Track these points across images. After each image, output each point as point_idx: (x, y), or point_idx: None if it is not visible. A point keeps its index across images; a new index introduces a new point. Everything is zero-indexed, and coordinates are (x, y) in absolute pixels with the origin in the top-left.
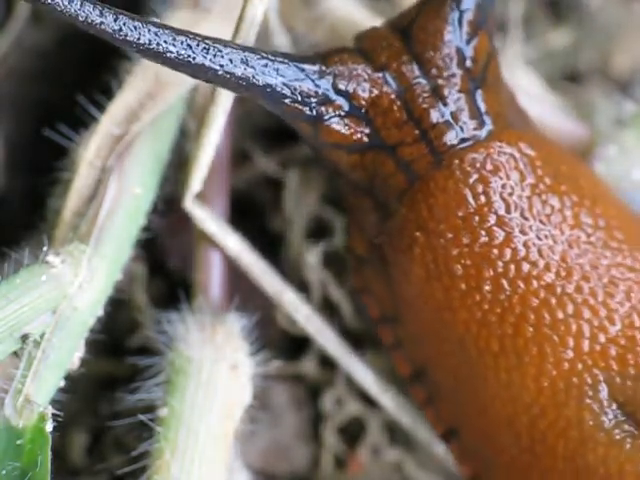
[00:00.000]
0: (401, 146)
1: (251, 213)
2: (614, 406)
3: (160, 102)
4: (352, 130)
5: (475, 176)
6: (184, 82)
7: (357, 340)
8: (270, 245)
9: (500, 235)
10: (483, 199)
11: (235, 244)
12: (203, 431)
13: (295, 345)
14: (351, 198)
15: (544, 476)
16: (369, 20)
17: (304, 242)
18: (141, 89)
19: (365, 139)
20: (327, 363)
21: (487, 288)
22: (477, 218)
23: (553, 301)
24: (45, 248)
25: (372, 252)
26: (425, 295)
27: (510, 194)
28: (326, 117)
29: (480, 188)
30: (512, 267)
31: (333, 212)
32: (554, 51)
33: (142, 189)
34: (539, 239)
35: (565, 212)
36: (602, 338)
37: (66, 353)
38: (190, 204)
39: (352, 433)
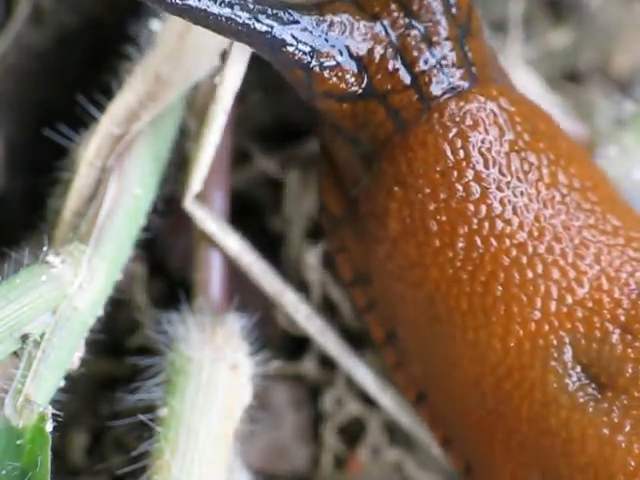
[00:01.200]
0: (392, 94)
1: (251, 213)
2: (578, 368)
3: (160, 102)
4: (345, 78)
5: (454, 130)
6: (184, 82)
7: (357, 340)
8: (270, 245)
9: (477, 191)
10: (462, 154)
11: (235, 244)
12: (203, 431)
13: (295, 345)
14: (334, 149)
15: (508, 438)
16: None
17: (304, 242)
18: (141, 89)
19: (358, 88)
20: (327, 363)
21: (460, 245)
22: (455, 173)
23: (524, 260)
24: (45, 248)
25: (347, 209)
26: (398, 251)
27: (488, 149)
28: (321, 65)
29: (459, 143)
30: (486, 224)
31: None
32: (554, 51)
33: (142, 189)
34: (515, 196)
35: (542, 170)
36: (569, 300)
37: (66, 353)
38: (190, 204)
39: (352, 433)
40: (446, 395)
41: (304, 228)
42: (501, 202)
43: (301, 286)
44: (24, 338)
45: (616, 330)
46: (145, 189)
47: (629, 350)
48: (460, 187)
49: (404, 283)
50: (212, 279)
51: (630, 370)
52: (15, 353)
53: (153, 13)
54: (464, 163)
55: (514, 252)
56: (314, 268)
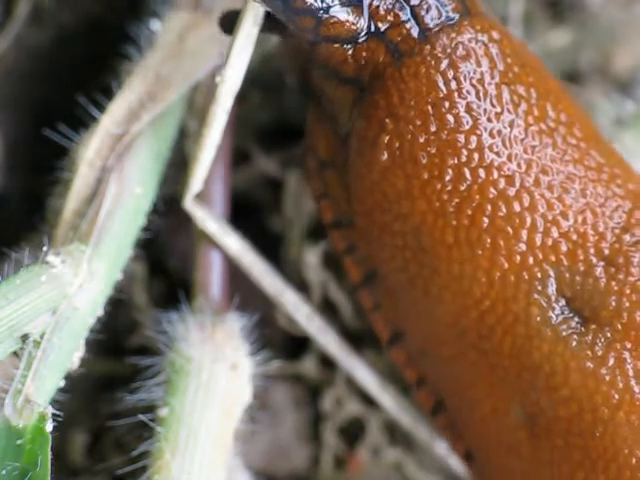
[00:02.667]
0: (391, 29)
1: (251, 213)
2: (562, 302)
3: (160, 102)
4: (350, 21)
5: (446, 62)
6: (184, 82)
7: (357, 340)
8: (270, 245)
9: (467, 122)
10: (453, 85)
11: (235, 244)
12: (203, 431)
13: (295, 345)
14: (328, 93)
15: (490, 373)
16: None
17: (304, 242)
18: (141, 89)
19: (361, 29)
20: (327, 363)
21: (448, 177)
22: (447, 104)
23: (511, 193)
24: (45, 248)
25: (335, 151)
26: (386, 184)
27: (480, 80)
28: (328, 10)
29: (451, 74)
30: (476, 155)
31: None
32: (554, 51)
33: (142, 189)
34: (504, 128)
35: (531, 102)
36: (555, 233)
37: (66, 353)
38: (190, 204)
39: (352, 433)
40: (424, 333)
41: (304, 228)
42: (491, 133)
43: (301, 286)
44: (24, 338)
45: (600, 263)
46: (145, 189)
47: (613, 283)
48: (451, 118)
49: (389, 217)
50: (212, 279)
51: (613, 303)
52: (15, 353)
53: (153, 13)
54: (455, 94)
55: (502, 184)
56: (314, 268)
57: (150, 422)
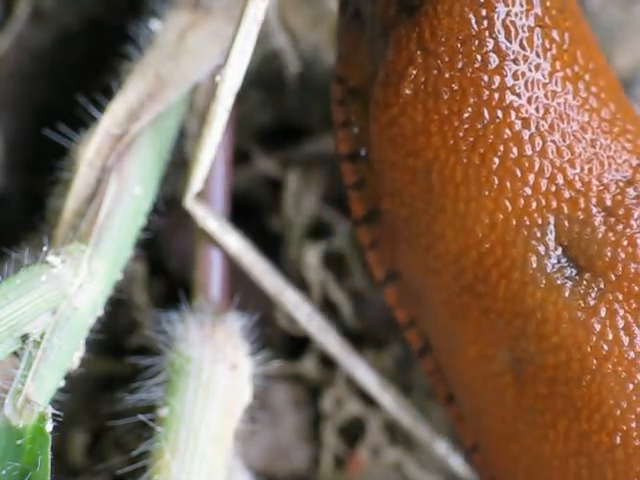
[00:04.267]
0: None
1: (251, 213)
2: (559, 250)
3: (160, 102)
4: None
5: (482, 0)
6: (184, 82)
7: (357, 340)
8: (270, 245)
9: (494, 61)
10: (485, 23)
11: (236, 243)
12: (203, 431)
13: (295, 345)
14: (364, 20)
15: (481, 317)
16: None
17: (304, 242)
18: (141, 89)
19: None
20: (327, 363)
21: (467, 115)
22: (476, 42)
23: (525, 136)
24: (45, 248)
25: (366, 82)
26: (405, 120)
27: (513, 22)
28: None
29: (484, 12)
30: (496, 95)
31: (333, 212)
32: None
33: (142, 189)
34: (530, 71)
35: (563, 47)
36: (560, 179)
37: (66, 353)
38: (191, 203)
39: (352, 433)
40: (422, 271)
41: (304, 228)
42: (514, 75)
43: (301, 286)
44: (24, 338)
45: (600, 213)
46: (145, 189)
47: (610, 234)
48: (478, 56)
49: (403, 152)
50: (212, 279)
51: (609, 254)
52: (15, 353)
53: (153, 13)
54: (486, 33)
55: (517, 126)
56: (314, 268)
57: (150, 422)
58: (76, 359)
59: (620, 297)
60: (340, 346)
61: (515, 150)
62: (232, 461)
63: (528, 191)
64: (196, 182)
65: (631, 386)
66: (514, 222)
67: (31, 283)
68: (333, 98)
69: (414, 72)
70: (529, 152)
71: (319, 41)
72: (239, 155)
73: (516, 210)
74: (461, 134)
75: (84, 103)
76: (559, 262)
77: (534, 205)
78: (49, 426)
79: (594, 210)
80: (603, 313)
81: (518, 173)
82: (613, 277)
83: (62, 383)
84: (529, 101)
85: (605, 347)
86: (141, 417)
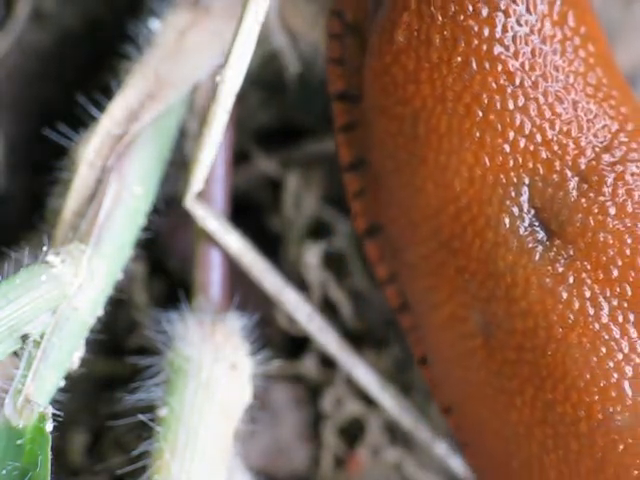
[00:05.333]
0: None
1: (251, 213)
2: (532, 213)
3: (160, 102)
4: None
5: None
6: (184, 82)
7: (357, 340)
8: (270, 245)
9: (485, 12)
10: None
11: (236, 243)
12: (203, 431)
13: (295, 345)
14: None
15: (456, 276)
16: None
17: (304, 242)
18: (141, 89)
19: None
20: (327, 363)
21: (456, 63)
22: None
23: (509, 89)
24: (45, 248)
25: (363, 18)
26: (396, 68)
27: None
28: None
29: None
30: (485, 46)
31: (333, 212)
32: None
33: (142, 189)
34: (519, 25)
35: (554, 7)
36: (538, 139)
37: (66, 353)
38: (191, 203)
39: (352, 433)
40: (402, 225)
41: (304, 228)
42: (504, 27)
43: (301, 286)
44: (24, 338)
45: (574, 177)
46: (145, 189)
47: (582, 200)
48: (470, 5)
49: (392, 100)
50: (212, 279)
51: (580, 221)
52: (15, 353)
53: (152, 12)
54: None
55: (502, 79)
56: (314, 268)
57: (150, 422)
58: (76, 359)
59: (588, 266)
60: (340, 346)
61: (498, 103)
62: (232, 461)
63: (507, 148)
64: (196, 182)
65: (595, 359)
66: (491, 179)
67: (31, 283)
68: (328, 31)
69: (408, 19)
70: (511, 107)
71: (319, 41)
72: (239, 155)
73: (494, 167)
74: (449, 82)
75: (84, 103)
76: (532, 225)
77: (511, 163)
78: (49, 426)
79: (568, 174)
80: (570, 281)
81: (499, 128)
82: (582, 245)
83: (62, 383)
84: (515, 55)
85: (571, 316)
86: (141, 417)
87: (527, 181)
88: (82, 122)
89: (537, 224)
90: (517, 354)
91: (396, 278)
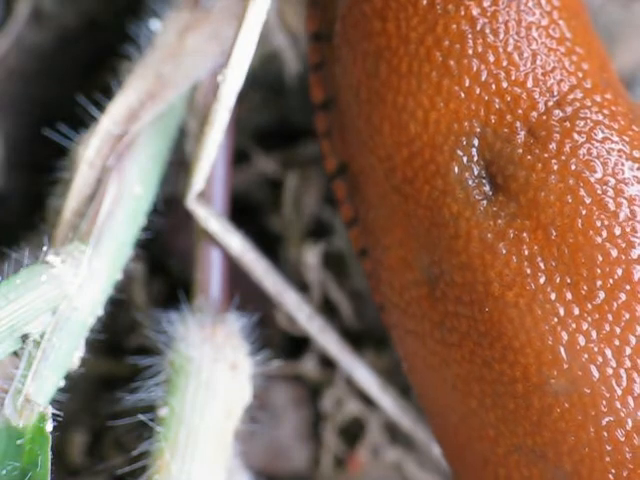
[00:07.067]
0: None
1: (251, 213)
2: (481, 165)
3: (160, 101)
4: None
5: None
6: (184, 81)
7: (357, 340)
8: (270, 245)
9: None
10: None
11: (237, 243)
12: (203, 431)
13: (295, 345)
14: None
15: (406, 221)
16: None
17: (304, 242)
18: (141, 89)
19: None
20: (327, 363)
21: (421, 5)
22: None
23: (469, 35)
24: (45, 248)
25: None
26: (365, 4)
27: None
28: None
29: None
30: None
31: (333, 212)
32: None
33: (142, 189)
34: None
35: None
36: (492, 88)
37: (66, 353)
38: (193, 203)
39: (352, 433)
40: (362, 165)
41: (304, 228)
42: None
43: (301, 286)
44: (24, 338)
45: (522, 131)
46: (145, 189)
47: (528, 156)
48: None
49: (360, 34)
50: (212, 279)
51: (523, 177)
52: (15, 353)
53: (153, 13)
54: None
55: (463, 24)
56: (314, 268)
57: (150, 422)
58: (76, 359)
59: (527, 224)
60: (340, 346)
61: (458, 47)
62: (232, 461)
63: (462, 94)
64: (197, 182)
65: (529, 319)
66: (444, 125)
67: (31, 283)
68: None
69: None
70: (470, 52)
71: None
72: (239, 155)
73: (448, 113)
74: (414, 23)
75: (84, 103)
76: (479, 177)
77: (465, 111)
78: (49, 426)
79: (518, 127)
80: (510, 238)
81: (456, 73)
82: (524, 202)
83: (62, 383)
84: (479, 2)
85: (508, 275)
86: (141, 417)
87: (478, 131)
88: (82, 122)
89: (485, 177)
90: (456, 307)
91: (358, 220)
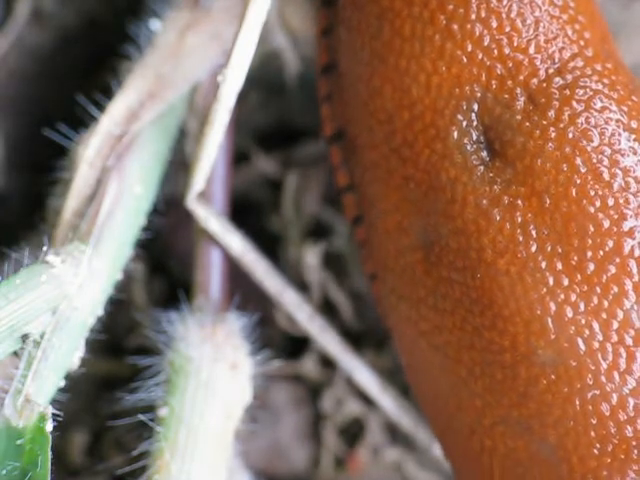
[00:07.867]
0: None
1: (251, 213)
2: (480, 130)
3: (160, 101)
4: None
5: None
6: (184, 81)
7: (357, 340)
8: (270, 245)
9: None
10: None
11: (237, 243)
12: (203, 431)
13: (295, 345)
14: None
15: (403, 184)
16: None
17: (304, 242)
18: (141, 89)
19: None
20: (327, 363)
21: None
22: None
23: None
24: (45, 248)
25: None
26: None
27: None
28: None
29: None
30: None
31: (333, 212)
32: None
33: (142, 188)
34: None
35: None
36: (495, 53)
37: (66, 353)
38: (193, 202)
39: (352, 433)
40: (360, 128)
41: (304, 228)
42: None
43: (301, 286)
44: (24, 338)
45: (522, 97)
46: (145, 189)
47: (527, 123)
48: None
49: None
50: (212, 279)
51: (520, 143)
52: (15, 353)
53: (153, 12)
54: None
55: None
56: (314, 268)
57: (150, 422)
58: (76, 359)
59: (522, 191)
60: (340, 346)
61: (461, 12)
62: (232, 461)
63: (464, 59)
64: (198, 182)
65: (519, 288)
66: (446, 89)
67: (31, 283)
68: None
69: None
70: (473, 17)
71: None
72: (239, 155)
73: (450, 77)
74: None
75: (84, 103)
76: (478, 142)
77: (467, 75)
78: (49, 426)
79: (518, 93)
80: (505, 205)
81: (459, 37)
82: (520, 169)
83: (62, 383)
84: None
85: (501, 241)
86: (141, 417)
87: (479, 96)
88: (82, 122)
89: (483, 142)
90: (450, 273)
91: (354, 186)
